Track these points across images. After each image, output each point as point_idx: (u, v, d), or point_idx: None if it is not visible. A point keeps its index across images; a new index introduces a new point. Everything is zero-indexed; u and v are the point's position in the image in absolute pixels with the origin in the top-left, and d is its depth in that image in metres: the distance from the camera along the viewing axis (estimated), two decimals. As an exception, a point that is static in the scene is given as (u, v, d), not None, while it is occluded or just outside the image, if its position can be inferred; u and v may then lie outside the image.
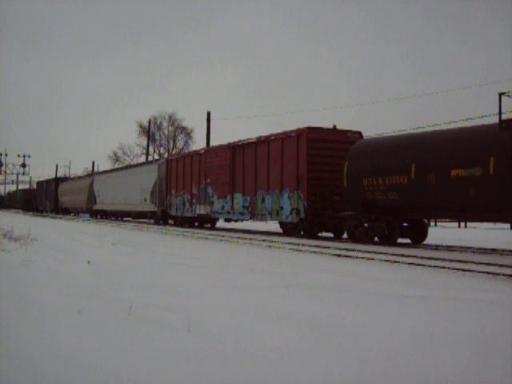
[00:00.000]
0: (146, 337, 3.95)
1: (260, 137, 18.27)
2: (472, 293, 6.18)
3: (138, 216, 32.00)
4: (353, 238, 14.51)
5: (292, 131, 16.56)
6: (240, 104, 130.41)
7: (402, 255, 10.77)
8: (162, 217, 27.28)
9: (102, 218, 38.42)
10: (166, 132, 60.91)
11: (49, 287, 6.18)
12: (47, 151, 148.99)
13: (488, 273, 8.18)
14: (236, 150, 19.61)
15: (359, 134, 16.81)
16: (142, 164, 32.34)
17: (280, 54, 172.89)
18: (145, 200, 28.16)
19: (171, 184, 25.27)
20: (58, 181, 52.29)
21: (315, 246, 13.17)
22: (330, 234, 17.56)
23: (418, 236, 14.13)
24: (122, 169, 36.56)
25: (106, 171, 40.62)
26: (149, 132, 49.94)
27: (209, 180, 21.52)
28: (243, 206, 18.90)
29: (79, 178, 50.78)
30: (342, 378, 3.16)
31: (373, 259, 10.40)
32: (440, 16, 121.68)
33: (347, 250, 12.20)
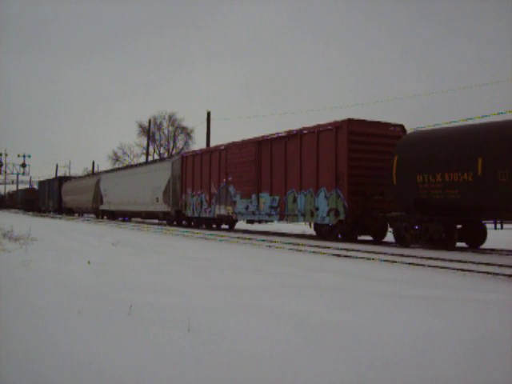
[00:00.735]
0: (146, 337, 3.96)
1: (291, 130, 16.62)
2: (472, 293, 6.18)
3: (148, 216, 30.25)
4: (402, 242, 13.05)
5: (329, 124, 14.97)
6: (240, 104, 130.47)
7: (402, 255, 10.77)
8: (176, 217, 25.58)
9: (108, 218, 36.42)
10: (166, 132, 60.93)
11: (49, 287, 6.18)
12: (47, 151, 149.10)
13: (488, 273, 8.18)
14: (262, 145, 17.96)
15: (401, 127, 15.41)
16: (154, 162, 30.55)
17: (280, 53, 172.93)
18: (157, 200, 26.36)
19: (187, 183, 23.56)
20: (61, 180, 50.60)
21: (315, 246, 13.17)
22: (368, 238, 15.94)
23: (476, 239, 12.78)
24: (131, 167, 34.82)
25: (114, 169, 38.95)
26: (149, 132, 49.93)
27: (230, 178, 19.91)
28: (271, 207, 17.40)
29: (84, 176, 49.06)
30: (341, 377, 3.16)
31: (372, 259, 10.40)
32: (440, 16, 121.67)
33: (347, 250, 12.19)
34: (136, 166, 33.96)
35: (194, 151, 23.73)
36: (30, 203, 62.59)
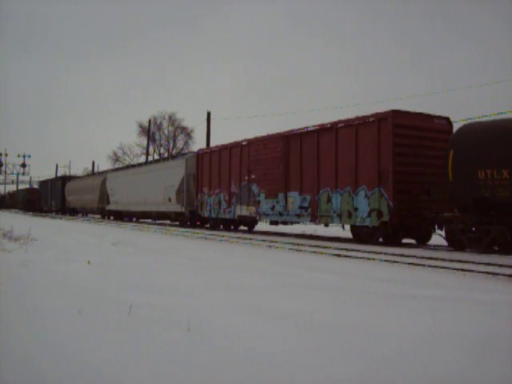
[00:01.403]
0: (146, 337, 3.95)
1: (324, 124, 15.23)
2: (472, 293, 6.18)
3: (159, 217, 28.55)
4: (456, 245, 11.89)
5: (370, 116, 13.67)
6: (240, 104, 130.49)
7: (402, 255, 10.77)
8: (190, 218, 23.75)
9: (116, 219, 34.79)
10: (165, 132, 60.89)
11: (49, 287, 6.18)
12: (47, 151, 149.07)
13: (488, 273, 8.18)
14: (291, 139, 16.53)
15: (447, 119, 14.12)
16: (166, 159, 28.94)
17: (280, 53, 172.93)
18: (169, 199, 24.66)
19: (203, 181, 21.95)
20: (64, 179, 49.08)
21: (315, 246, 13.17)
22: (407, 240, 14.63)
23: None
24: (140, 165, 33.03)
25: (122, 168, 37.27)
26: (149, 132, 49.91)
27: (253, 176, 18.43)
28: (300, 207, 15.92)
29: (89, 175, 47.26)
30: (341, 377, 3.16)
31: (373, 259, 10.40)
32: (440, 16, 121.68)
33: (347, 250, 12.20)
34: (146, 164, 32.24)
35: (211, 147, 22.02)
36: (32, 203, 61.46)
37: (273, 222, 18.33)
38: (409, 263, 9.55)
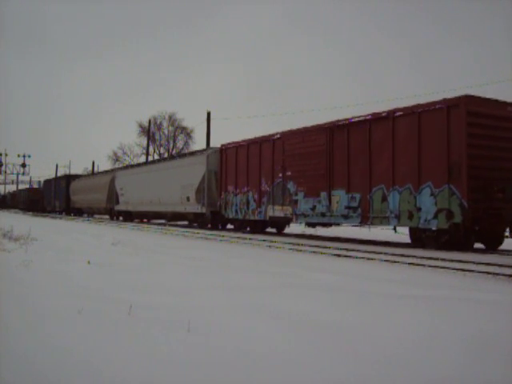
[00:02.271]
0: (146, 337, 3.95)
1: (377, 113, 13.56)
2: (472, 293, 6.18)
3: (175, 218, 26.57)
4: None
5: (436, 102, 12.10)
6: (240, 104, 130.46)
7: (402, 255, 10.76)
8: (211, 219, 21.79)
9: (125, 220, 32.57)
10: (165, 132, 60.94)
11: (49, 287, 6.18)
12: (47, 151, 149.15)
13: (488, 273, 8.18)
14: (335, 131, 14.81)
15: None
16: (183, 155, 26.67)
17: (280, 54, 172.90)
18: (187, 199, 22.72)
19: (227, 179, 20.15)
20: (69, 178, 46.78)
21: (315, 246, 13.17)
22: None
23: None
24: (154, 162, 30.77)
25: (133, 166, 35.26)
26: (149, 132, 49.93)
27: (289, 173, 16.65)
28: (348, 207, 14.21)
29: (96, 174, 45.07)
30: (341, 377, 3.16)
31: (373, 259, 10.40)
32: (440, 16, 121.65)
33: (347, 250, 12.19)
34: (160, 161, 30.13)
35: (238, 142, 19.91)
36: (34, 203, 59.58)
37: (310, 224, 16.51)
38: (409, 263, 9.55)
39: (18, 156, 68.11)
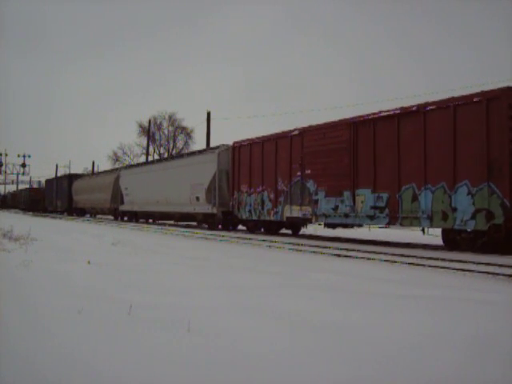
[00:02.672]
0: (146, 337, 3.95)
1: (407, 107, 12.85)
2: (472, 293, 6.18)
3: (183, 219, 25.66)
4: None
5: (474, 95, 11.44)
6: (240, 104, 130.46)
7: (402, 255, 10.77)
8: (223, 220, 20.94)
9: (130, 220, 31.69)
10: (165, 132, 60.95)
11: (49, 287, 6.18)
12: (47, 151, 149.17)
13: (488, 273, 8.18)
14: (360, 126, 14.04)
15: None
16: (192, 153, 25.27)
17: (280, 54, 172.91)
18: (197, 199, 21.85)
19: (240, 178, 19.33)
20: (71, 178, 45.66)
21: (315, 246, 13.17)
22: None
23: None
24: (161, 161, 29.63)
25: (138, 164, 34.05)
26: (149, 132, 49.93)
27: (309, 171, 15.79)
28: (374, 207, 13.45)
29: (99, 173, 43.43)
30: (340, 377, 3.16)
31: (373, 259, 10.40)
32: (440, 16, 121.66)
33: (347, 249, 12.19)
34: (168, 159, 28.85)
35: (251, 139, 18.99)
36: (36, 203, 58.55)
37: (330, 225, 15.73)
38: (409, 263, 9.55)
39: (18, 156, 68.15)
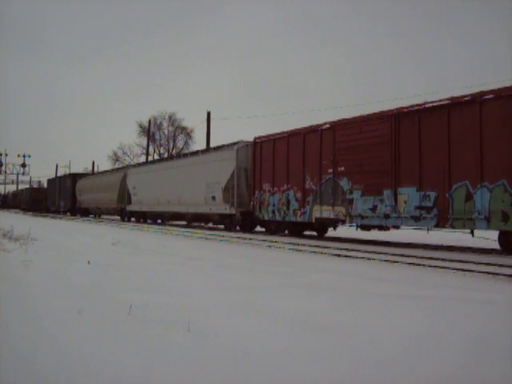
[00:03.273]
0: (146, 337, 3.95)
1: (458, 97, 11.70)
2: (472, 293, 6.18)
3: (196, 219, 24.59)
4: None
5: None
6: (240, 104, 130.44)
7: (402, 255, 10.76)
8: (242, 221, 19.57)
9: (137, 221, 30.50)
10: (165, 132, 60.99)
11: (49, 287, 6.18)
12: (47, 151, 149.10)
13: (488, 273, 8.18)
14: (402, 119, 12.90)
15: None
16: (207, 150, 23.54)
17: (280, 54, 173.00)
18: (213, 198, 20.62)
19: (262, 176, 18.10)
20: (75, 177, 44.46)
21: (315, 246, 13.16)
22: None
23: None
24: (173, 158, 28.14)
25: (148, 162, 32.85)
26: (149, 132, 49.96)
27: (342, 168, 14.57)
28: (419, 207, 12.26)
29: (105, 172, 41.98)
30: (340, 377, 3.16)
31: (373, 259, 10.40)
32: (439, 16, 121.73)
33: (347, 250, 12.19)
34: (181, 156, 27.08)
35: (274, 134, 17.81)
36: (38, 203, 57.55)
37: (365, 227, 14.51)
38: (409, 263, 9.55)
39: (18, 156, 68.07)
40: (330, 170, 15.02)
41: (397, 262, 9.85)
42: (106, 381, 3.09)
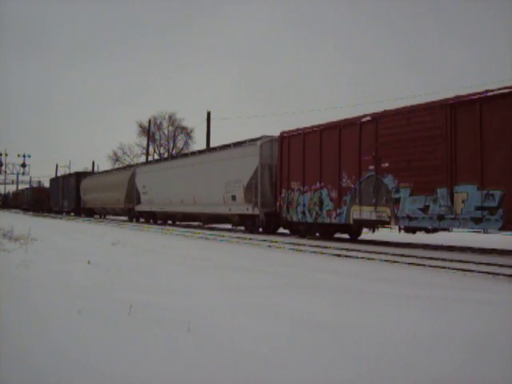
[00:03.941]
0: (146, 337, 3.95)
1: None
2: (472, 293, 6.18)
3: (213, 220, 23.04)
4: None
5: None
6: (240, 104, 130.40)
7: (402, 255, 10.76)
8: (266, 222, 17.96)
9: (147, 222, 28.81)
10: (165, 132, 60.99)
11: (49, 287, 6.18)
12: (47, 151, 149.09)
13: (488, 273, 8.18)
14: (459, 109, 11.33)
15: None
16: (226, 146, 21.27)
17: (280, 54, 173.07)
18: (233, 198, 19.13)
19: (290, 174, 16.49)
20: (79, 176, 42.59)
21: (315, 246, 13.16)
22: None
23: None
24: (187, 155, 25.95)
25: (159, 160, 31.13)
26: (149, 132, 49.95)
27: (386, 164, 13.06)
28: (481, 207, 10.66)
29: (111, 170, 40.38)
30: (341, 377, 3.16)
31: (373, 259, 10.40)
32: (439, 16, 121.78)
33: (347, 250, 12.18)
34: (196, 153, 24.86)
35: (304, 128, 16.19)
36: (40, 203, 56.01)
37: (409, 229, 13.05)
38: (409, 263, 9.55)
39: (18, 156, 67.99)
40: (372, 167, 13.46)
41: (397, 262, 9.85)
42: (106, 381, 3.09)
